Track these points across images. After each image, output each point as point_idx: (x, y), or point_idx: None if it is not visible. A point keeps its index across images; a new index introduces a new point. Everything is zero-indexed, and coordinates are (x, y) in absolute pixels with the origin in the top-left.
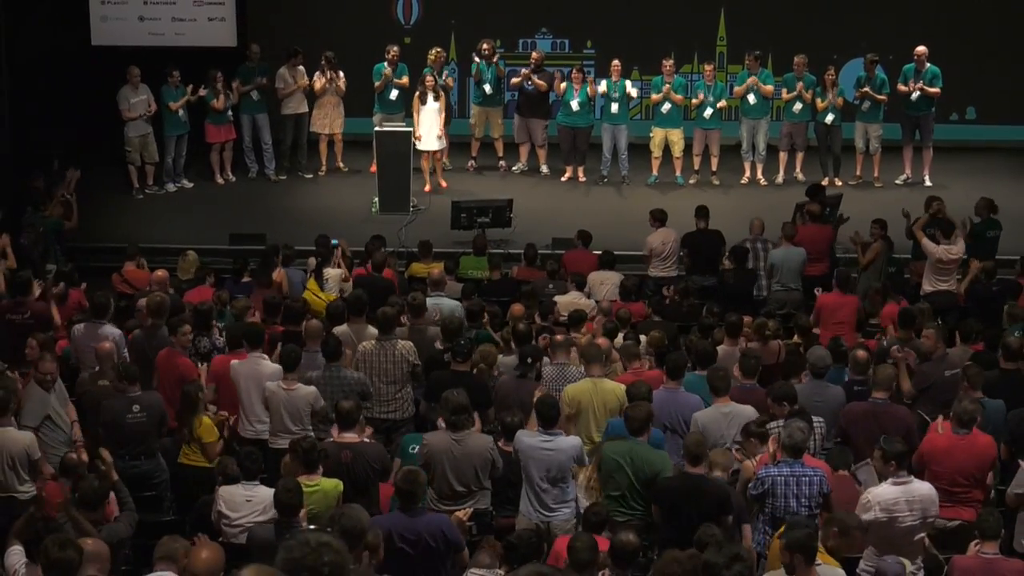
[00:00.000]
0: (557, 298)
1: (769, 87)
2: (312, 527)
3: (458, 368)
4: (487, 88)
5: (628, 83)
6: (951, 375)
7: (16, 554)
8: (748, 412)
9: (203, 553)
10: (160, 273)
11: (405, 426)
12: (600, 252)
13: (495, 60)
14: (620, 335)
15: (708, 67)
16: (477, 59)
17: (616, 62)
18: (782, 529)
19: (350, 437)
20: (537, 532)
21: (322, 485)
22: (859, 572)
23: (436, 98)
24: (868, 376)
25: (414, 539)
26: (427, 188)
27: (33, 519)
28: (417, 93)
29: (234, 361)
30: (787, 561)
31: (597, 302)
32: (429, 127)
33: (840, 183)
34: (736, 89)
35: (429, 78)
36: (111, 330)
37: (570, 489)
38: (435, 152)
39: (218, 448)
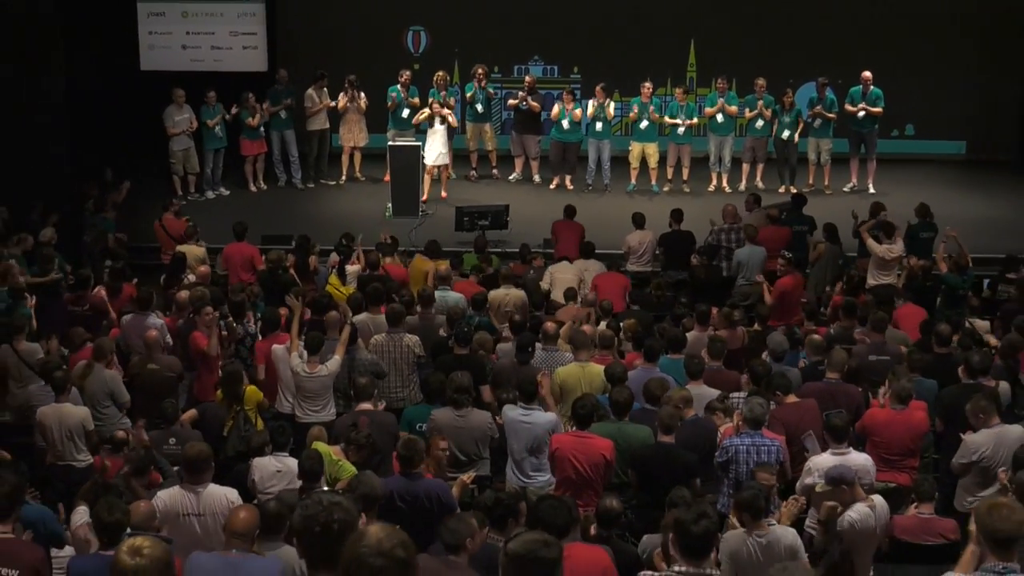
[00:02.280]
0: (550, 267)
1: (734, 107)
2: (326, 489)
3: (459, 352)
4: (479, 107)
5: (611, 104)
6: (876, 360)
7: (81, 513)
8: (712, 394)
9: (241, 513)
10: (203, 269)
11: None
12: (585, 242)
13: (485, 84)
14: (603, 323)
15: (679, 90)
16: (471, 83)
17: (600, 86)
18: None
19: (366, 406)
20: (515, 495)
21: (343, 467)
22: (805, 528)
23: (442, 121)
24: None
25: (412, 500)
26: (424, 197)
27: (96, 484)
28: (425, 115)
29: (275, 346)
30: (738, 517)
31: (586, 296)
32: (432, 145)
33: (795, 190)
34: (706, 110)
35: (436, 104)
36: (155, 320)
37: (546, 459)
38: (442, 167)
39: (267, 404)
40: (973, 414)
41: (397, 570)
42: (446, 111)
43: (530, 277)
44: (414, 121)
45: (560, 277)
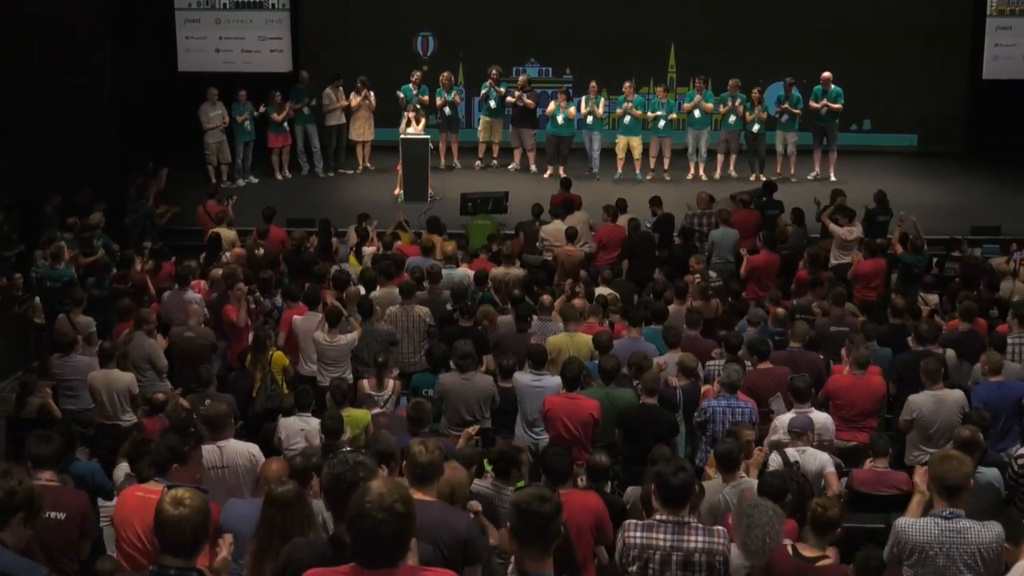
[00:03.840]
0: (544, 228)
1: (709, 104)
2: (349, 449)
3: (464, 324)
4: (492, 104)
5: (602, 100)
6: (836, 331)
7: (121, 469)
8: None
9: (274, 465)
10: (237, 250)
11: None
12: (574, 195)
13: (497, 83)
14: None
15: (660, 89)
16: (487, 82)
17: (593, 83)
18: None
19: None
20: (517, 448)
21: (353, 414)
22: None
23: (417, 123)
24: (786, 328)
25: None
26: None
27: (135, 441)
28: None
29: (295, 316)
30: (716, 468)
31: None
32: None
33: (764, 178)
34: (684, 106)
35: (411, 112)
36: (192, 295)
37: None
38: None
39: (292, 371)
40: (924, 373)
41: (396, 522)
42: (457, 97)
43: (529, 258)
44: (400, 130)
45: (551, 229)
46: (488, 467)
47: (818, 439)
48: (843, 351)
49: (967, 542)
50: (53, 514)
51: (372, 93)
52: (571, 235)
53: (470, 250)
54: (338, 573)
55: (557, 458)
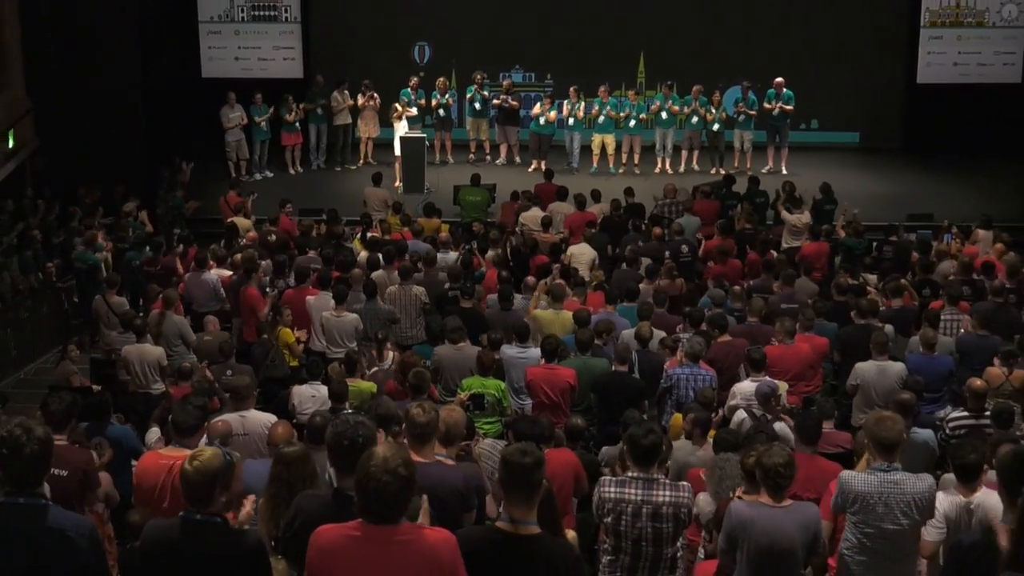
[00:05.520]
0: (523, 215)
1: (676, 107)
2: (351, 411)
3: (464, 304)
4: (477, 106)
5: (582, 104)
6: (787, 308)
7: (153, 433)
8: (660, 334)
9: (279, 428)
10: (252, 235)
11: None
12: (558, 186)
13: (480, 87)
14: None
15: (631, 92)
16: (471, 86)
17: (573, 89)
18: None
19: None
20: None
21: (359, 385)
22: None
23: (400, 118)
24: (745, 305)
25: None
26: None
27: (164, 409)
28: (396, 114)
29: (308, 296)
30: (689, 429)
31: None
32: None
33: (723, 172)
34: (652, 107)
35: (398, 107)
36: (211, 276)
37: None
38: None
39: (299, 349)
40: (873, 344)
41: (399, 484)
42: (408, 110)
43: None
44: (391, 118)
45: (530, 216)
46: (482, 429)
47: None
48: (775, 324)
49: (903, 492)
50: (56, 471)
51: (376, 95)
52: (546, 223)
53: (463, 220)
54: (346, 527)
55: (530, 426)
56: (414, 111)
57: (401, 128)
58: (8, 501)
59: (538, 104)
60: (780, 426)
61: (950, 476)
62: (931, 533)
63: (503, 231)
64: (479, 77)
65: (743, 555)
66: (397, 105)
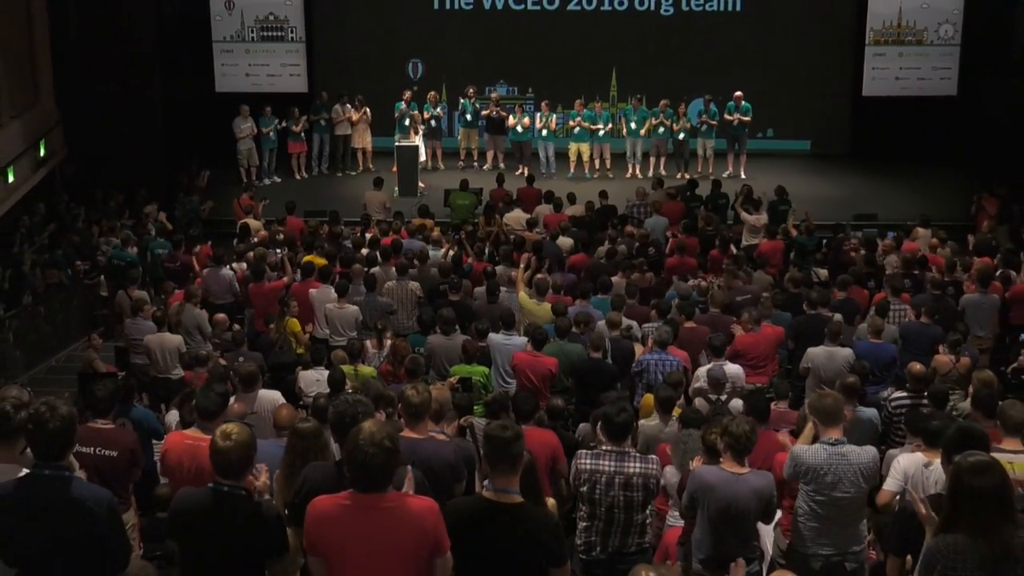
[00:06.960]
0: (506, 215)
1: (648, 120)
2: (350, 391)
3: (453, 298)
4: (468, 117)
5: (554, 116)
6: (742, 299)
7: (172, 415)
8: (631, 322)
9: (283, 411)
10: (263, 233)
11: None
12: (540, 190)
13: (473, 100)
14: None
15: (598, 104)
16: (463, 99)
17: (545, 103)
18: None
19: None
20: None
21: (361, 369)
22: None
23: (415, 132)
24: (707, 297)
25: None
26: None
27: (184, 395)
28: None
29: (312, 290)
30: (658, 410)
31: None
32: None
33: (688, 176)
34: (622, 119)
35: (416, 116)
36: (227, 272)
37: None
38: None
39: (304, 338)
40: (828, 330)
41: (384, 456)
42: (440, 112)
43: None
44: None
45: (513, 217)
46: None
47: (731, 386)
48: (743, 315)
49: (850, 463)
50: (107, 452)
51: (367, 109)
52: (532, 224)
53: (453, 221)
54: (339, 498)
55: (524, 401)
56: (421, 126)
57: (418, 139)
58: (35, 473)
59: (511, 116)
60: (736, 403)
61: (894, 451)
62: (890, 484)
63: (490, 214)
64: (471, 91)
65: (704, 514)
66: (415, 113)
